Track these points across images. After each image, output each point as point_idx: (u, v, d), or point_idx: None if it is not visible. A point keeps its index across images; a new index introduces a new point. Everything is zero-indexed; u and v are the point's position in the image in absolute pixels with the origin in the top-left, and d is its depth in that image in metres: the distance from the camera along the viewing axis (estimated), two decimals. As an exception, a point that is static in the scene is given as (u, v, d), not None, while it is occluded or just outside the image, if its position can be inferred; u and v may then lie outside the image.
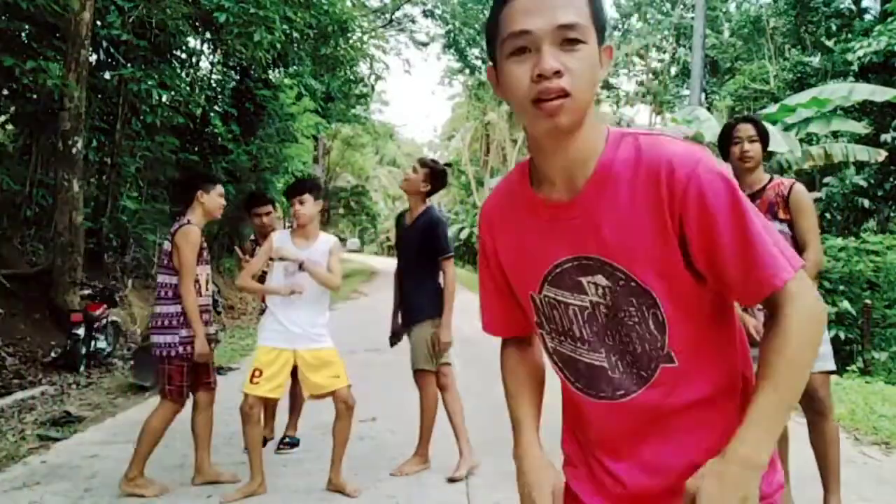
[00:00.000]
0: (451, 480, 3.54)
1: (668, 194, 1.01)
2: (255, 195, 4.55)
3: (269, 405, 4.23)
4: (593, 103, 1.09)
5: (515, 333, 1.31)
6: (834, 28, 13.47)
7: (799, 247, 2.86)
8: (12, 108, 8.39)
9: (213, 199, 3.48)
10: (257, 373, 3.32)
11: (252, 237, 4.41)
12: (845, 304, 7.53)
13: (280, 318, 3.40)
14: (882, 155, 8.65)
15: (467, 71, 26.19)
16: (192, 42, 11.08)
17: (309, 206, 3.40)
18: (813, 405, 2.90)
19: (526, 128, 1.10)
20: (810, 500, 2.97)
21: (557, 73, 0.99)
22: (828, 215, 12.29)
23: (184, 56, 11.10)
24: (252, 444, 3.35)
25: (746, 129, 3.02)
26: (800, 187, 2.93)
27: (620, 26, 26.67)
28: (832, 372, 2.97)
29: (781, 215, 2.90)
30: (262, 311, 4.22)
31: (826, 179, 12.47)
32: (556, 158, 1.09)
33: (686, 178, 0.99)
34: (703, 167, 1.00)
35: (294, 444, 4.14)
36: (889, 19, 11.83)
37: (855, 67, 11.71)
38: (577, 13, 1.02)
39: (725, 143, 3.10)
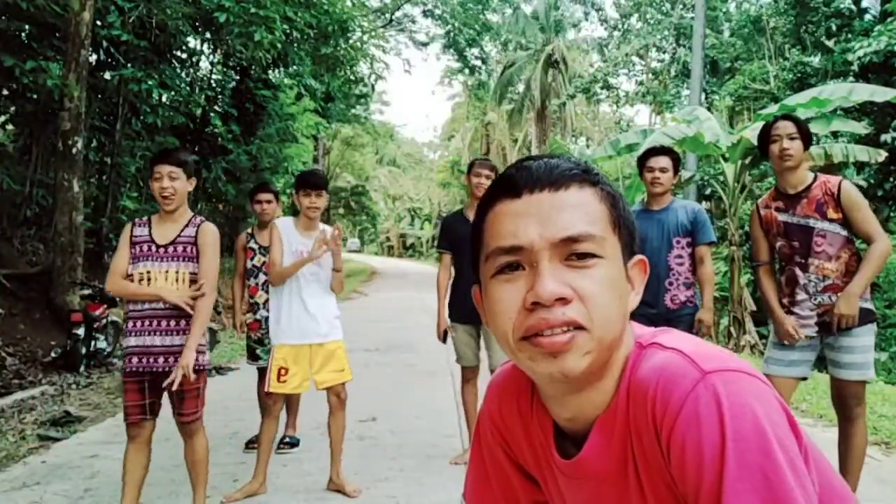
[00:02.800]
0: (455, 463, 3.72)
1: (657, 442, 0.73)
2: (260, 184, 4.57)
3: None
4: (623, 338, 0.78)
5: None
6: (834, 28, 13.46)
7: (857, 241, 2.86)
8: (12, 108, 8.40)
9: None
10: (283, 371, 3.30)
11: (249, 231, 4.34)
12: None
13: (292, 315, 3.36)
14: (882, 155, 8.65)
15: (467, 71, 26.18)
16: (192, 42, 11.08)
17: (324, 201, 3.43)
18: (845, 411, 2.89)
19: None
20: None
21: (562, 300, 0.72)
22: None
23: (184, 56, 11.10)
24: (265, 441, 3.33)
25: (786, 127, 2.92)
26: (848, 184, 2.87)
27: (620, 26, 26.66)
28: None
29: (832, 215, 2.83)
30: (251, 308, 4.21)
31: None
32: (556, 407, 0.83)
33: (671, 420, 0.70)
34: (693, 404, 0.68)
35: (294, 443, 4.14)
36: (889, 19, 11.82)
37: (855, 67, 11.70)
38: (588, 220, 0.75)
39: (764, 142, 3.00)
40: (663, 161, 3.63)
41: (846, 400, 2.88)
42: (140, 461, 2.85)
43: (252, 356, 4.33)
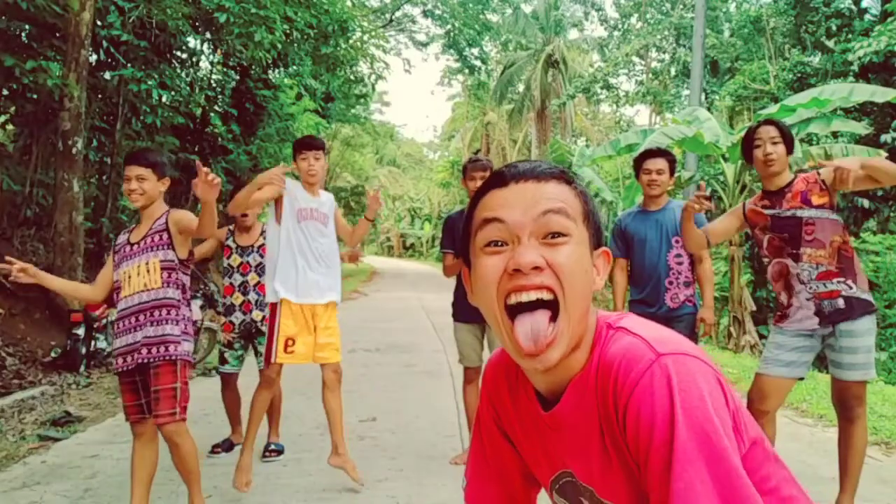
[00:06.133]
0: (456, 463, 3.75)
1: (614, 413, 0.85)
2: (237, 184, 4.50)
3: (233, 411, 4.22)
4: (589, 317, 0.91)
5: None
6: (834, 28, 13.45)
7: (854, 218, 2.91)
8: (12, 108, 8.39)
9: None
10: (290, 342, 3.28)
11: (230, 227, 4.23)
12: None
13: (298, 273, 3.33)
14: (882, 155, 8.65)
15: (467, 71, 26.16)
16: (192, 42, 11.08)
17: (322, 163, 3.45)
18: (846, 412, 2.88)
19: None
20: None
21: (537, 269, 0.85)
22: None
23: (184, 56, 11.10)
24: (258, 412, 3.28)
25: (768, 131, 2.93)
26: (824, 168, 2.92)
27: (620, 26, 26.64)
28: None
29: (817, 200, 2.85)
30: (227, 310, 4.15)
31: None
32: (532, 376, 0.97)
33: (629, 391, 0.82)
34: (648, 380, 0.80)
35: (279, 450, 4.02)
36: (889, 19, 11.82)
37: (855, 67, 11.70)
38: (563, 202, 0.89)
39: (747, 147, 3.03)
40: (660, 163, 3.65)
41: (847, 401, 2.87)
42: (146, 458, 2.85)
43: (221, 360, 4.21)
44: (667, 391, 0.79)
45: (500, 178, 0.92)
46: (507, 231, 0.88)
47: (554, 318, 0.86)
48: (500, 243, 0.89)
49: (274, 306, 3.36)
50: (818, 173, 2.90)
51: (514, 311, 0.87)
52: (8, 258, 2.80)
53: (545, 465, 1.03)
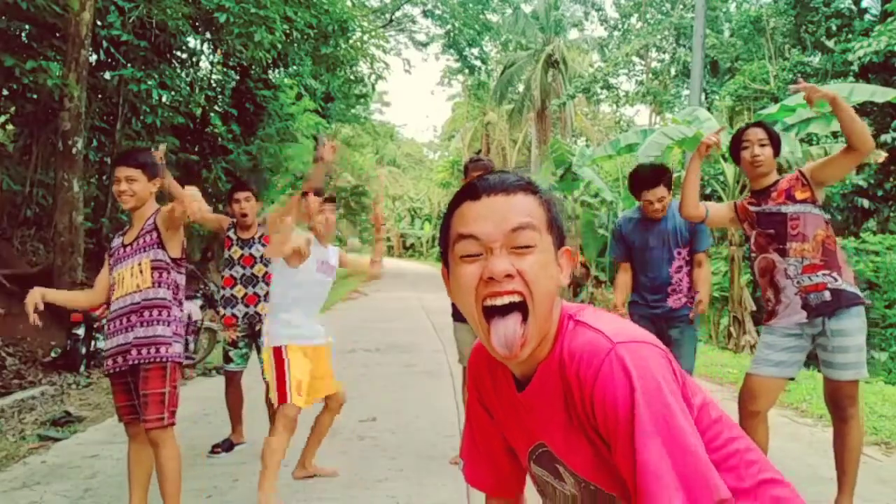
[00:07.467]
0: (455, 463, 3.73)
1: (580, 396, 0.97)
2: (235, 183, 4.49)
3: (236, 410, 4.21)
4: (554, 310, 1.04)
5: (501, 494, 1.30)
6: (834, 28, 13.45)
7: (848, 213, 2.95)
8: (12, 108, 8.39)
9: None
10: (300, 385, 3.27)
11: (233, 220, 4.17)
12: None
13: (293, 318, 3.33)
14: (882, 156, 8.64)
15: (467, 71, 26.15)
16: (192, 42, 11.07)
17: (333, 216, 3.52)
18: (839, 412, 2.89)
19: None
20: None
21: (509, 277, 0.98)
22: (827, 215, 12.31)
23: (184, 56, 11.09)
24: (275, 461, 3.06)
25: (756, 133, 2.98)
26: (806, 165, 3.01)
27: (620, 26, 26.63)
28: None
29: (800, 195, 2.90)
30: (228, 301, 4.11)
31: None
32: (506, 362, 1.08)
33: (592, 380, 0.94)
34: (608, 368, 0.93)
35: None
36: (889, 19, 11.82)
37: (855, 67, 11.70)
38: (529, 216, 1.01)
39: (735, 149, 3.07)
40: (660, 192, 3.60)
41: (840, 401, 2.87)
42: (143, 459, 2.84)
43: (225, 359, 4.16)
44: (625, 376, 0.91)
45: (472, 191, 1.03)
46: (481, 245, 1.00)
47: (524, 319, 0.99)
48: (475, 254, 1.01)
49: (279, 350, 3.26)
50: (800, 171, 2.96)
51: (490, 311, 1.00)
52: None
53: (522, 440, 1.14)
